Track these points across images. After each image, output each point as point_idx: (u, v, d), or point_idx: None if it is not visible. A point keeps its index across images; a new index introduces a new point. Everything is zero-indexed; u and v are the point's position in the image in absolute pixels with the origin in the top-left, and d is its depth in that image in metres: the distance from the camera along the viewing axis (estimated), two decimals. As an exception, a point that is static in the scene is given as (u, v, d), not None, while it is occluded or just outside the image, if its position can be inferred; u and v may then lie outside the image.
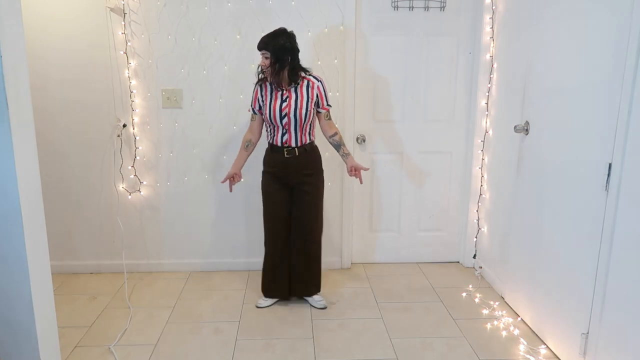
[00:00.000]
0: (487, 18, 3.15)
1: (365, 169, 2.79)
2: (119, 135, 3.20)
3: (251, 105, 2.77)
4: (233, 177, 2.80)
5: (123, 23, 3.06)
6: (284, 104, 2.65)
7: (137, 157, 3.25)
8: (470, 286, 3.21)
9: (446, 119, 3.40)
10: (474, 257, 3.49)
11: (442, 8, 3.23)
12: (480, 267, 3.38)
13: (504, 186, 3.01)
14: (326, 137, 2.81)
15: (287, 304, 2.96)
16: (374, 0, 3.19)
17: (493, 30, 3.14)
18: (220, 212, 3.38)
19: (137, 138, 3.23)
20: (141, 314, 2.83)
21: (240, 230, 3.42)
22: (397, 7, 3.21)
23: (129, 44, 3.09)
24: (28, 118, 1.92)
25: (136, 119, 3.20)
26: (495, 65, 3.14)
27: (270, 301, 2.94)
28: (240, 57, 3.16)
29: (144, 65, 3.14)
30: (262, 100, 2.70)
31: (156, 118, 3.22)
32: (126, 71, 3.13)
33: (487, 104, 3.23)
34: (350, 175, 2.81)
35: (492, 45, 3.16)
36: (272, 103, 2.66)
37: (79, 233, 3.34)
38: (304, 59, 3.09)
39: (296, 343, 2.55)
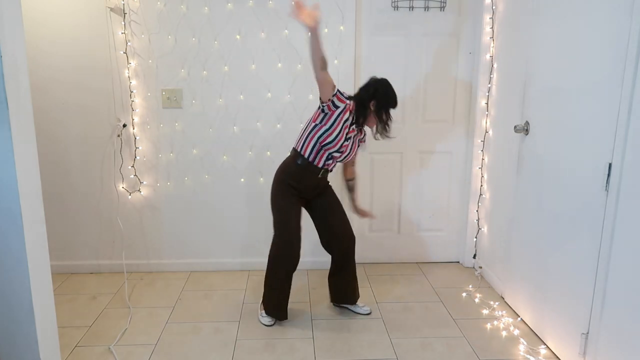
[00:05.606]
0: (487, 18, 3.15)
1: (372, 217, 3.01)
2: (119, 135, 3.20)
3: (336, 86, 2.49)
4: None
5: (123, 23, 3.06)
6: (347, 142, 2.54)
7: (137, 157, 3.25)
8: (470, 286, 3.21)
9: (446, 119, 3.40)
10: (474, 257, 3.49)
11: (442, 8, 3.23)
12: (480, 267, 3.38)
13: (504, 186, 3.01)
14: (348, 177, 2.85)
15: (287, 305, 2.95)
16: (374, 1, 3.19)
17: (493, 30, 3.14)
18: (220, 212, 3.38)
19: (137, 138, 3.23)
20: (141, 314, 2.83)
21: (240, 230, 3.42)
22: (397, 7, 3.21)
23: (129, 44, 3.09)
24: (28, 118, 1.92)
25: (136, 119, 3.20)
26: (495, 65, 3.14)
27: (274, 319, 2.74)
28: (240, 57, 3.16)
29: (144, 65, 3.14)
30: (340, 121, 2.48)
31: (156, 118, 3.22)
32: (126, 71, 3.13)
33: (487, 104, 3.23)
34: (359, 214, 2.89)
35: (492, 45, 3.16)
36: (342, 132, 2.50)
37: (79, 233, 3.34)
38: (304, 59, 3.11)
39: (296, 343, 2.55)
